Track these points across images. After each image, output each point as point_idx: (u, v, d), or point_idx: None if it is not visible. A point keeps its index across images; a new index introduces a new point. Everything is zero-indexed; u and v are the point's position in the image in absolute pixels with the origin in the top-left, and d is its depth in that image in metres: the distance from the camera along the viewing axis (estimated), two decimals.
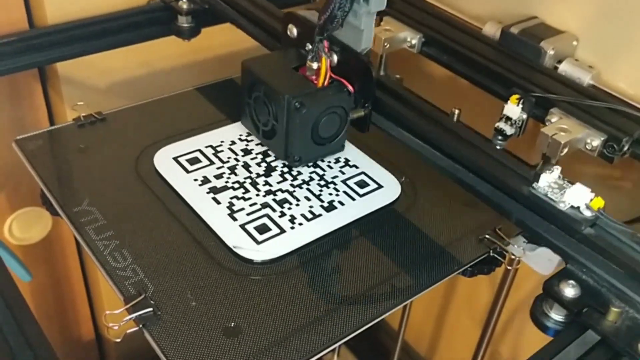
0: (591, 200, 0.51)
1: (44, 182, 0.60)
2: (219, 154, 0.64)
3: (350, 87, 0.60)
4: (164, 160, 0.63)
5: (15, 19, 0.77)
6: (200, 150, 0.64)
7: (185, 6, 0.79)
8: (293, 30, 0.63)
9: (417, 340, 1.16)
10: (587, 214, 0.51)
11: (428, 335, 1.14)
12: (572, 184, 0.52)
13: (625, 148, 0.60)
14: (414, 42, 0.75)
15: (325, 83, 0.60)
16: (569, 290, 0.50)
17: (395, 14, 0.77)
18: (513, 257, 0.58)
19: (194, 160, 0.63)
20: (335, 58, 0.60)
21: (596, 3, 0.69)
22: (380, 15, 0.80)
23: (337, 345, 0.49)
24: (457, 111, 0.71)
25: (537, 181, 0.53)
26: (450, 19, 0.77)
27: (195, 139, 0.66)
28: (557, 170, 0.53)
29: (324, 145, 0.63)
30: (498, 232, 0.57)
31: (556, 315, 0.52)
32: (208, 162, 0.63)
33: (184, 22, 0.80)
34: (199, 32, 0.82)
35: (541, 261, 0.58)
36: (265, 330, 0.48)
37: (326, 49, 0.59)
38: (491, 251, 0.56)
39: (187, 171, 0.62)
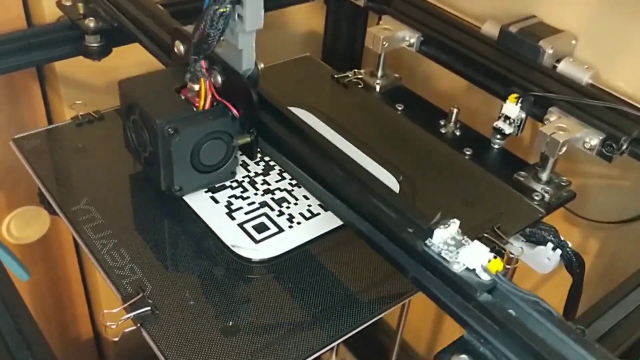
0: (489, 261, 0.44)
1: (41, 181, 0.59)
2: None
3: (234, 111, 0.55)
4: None
5: (13, 18, 0.77)
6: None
7: (92, 24, 0.70)
8: (180, 47, 0.56)
9: (416, 339, 1.15)
10: (484, 277, 0.43)
11: (426, 334, 1.14)
12: (471, 240, 0.45)
13: (624, 147, 0.60)
14: (412, 41, 0.75)
15: (207, 106, 0.55)
16: None
17: (394, 13, 0.77)
18: (512, 256, 0.58)
19: None
20: (219, 78, 0.54)
21: (595, 2, 0.69)
22: (379, 14, 0.80)
23: (335, 344, 0.49)
24: (455, 110, 0.71)
25: (431, 237, 0.45)
26: (449, 18, 0.77)
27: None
28: (454, 224, 0.45)
29: (210, 173, 0.57)
30: (496, 231, 0.57)
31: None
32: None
33: (92, 41, 0.72)
34: (110, 51, 0.74)
35: (540, 260, 0.58)
36: (263, 329, 0.48)
37: (204, 70, 0.54)
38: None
39: None
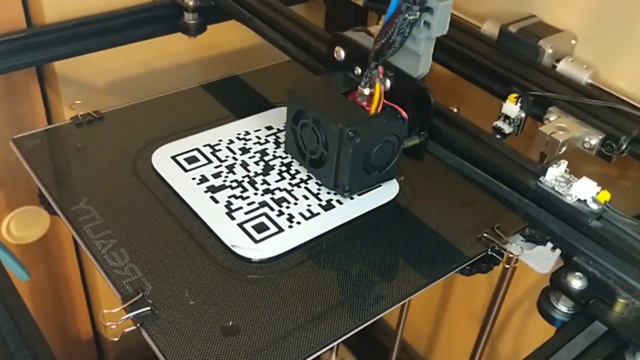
0: (597, 193, 0.51)
1: (41, 181, 0.59)
2: (217, 153, 0.64)
3: (404, 114, 0.57)
4: (162, 159, 0.63)
5: (13, 18, 0.77)
6: (198, 149, 0.64)
7: (191, 3, 0.78)
8: (340, 53, 0.61)
9: (416, 338, 1.16)
10: (594, 207, 0.51)
11: (426, 333, 1.14)
12: (578, 178, 0.53)
13: (624, 147, 0.60)
14: None
15: (378, 110, 0.57)
16: (576, 282, 0.51)
17: None
18: (511, 255, 0.58)
19: (191, 159, 0.63)
20: (388, 83, 0.57)
21: (594, 2, 0.69)
22: (379, 14, 0.80)
23: (335, 344, 0.49)
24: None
25: (544, 175, 0.53)
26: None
27: (193, 137, 0.66)
28: (563, 164, 0.53)
29: (375, 174, 0.60)
30: (496, 231, 0.57)
31: (563, 307, 0.52)
32: (206, 161, 0.63)
33: (190, 19, 0.79)
34: (205, 29, 0.81)
35: (539, 259, 0.58)
36: (263, 329, 0.48)
37: (381, 75, 0.56)
38: (489, 250, 0.56)
39: (185, 170, 0.62)
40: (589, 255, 0.51)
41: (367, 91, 0.57)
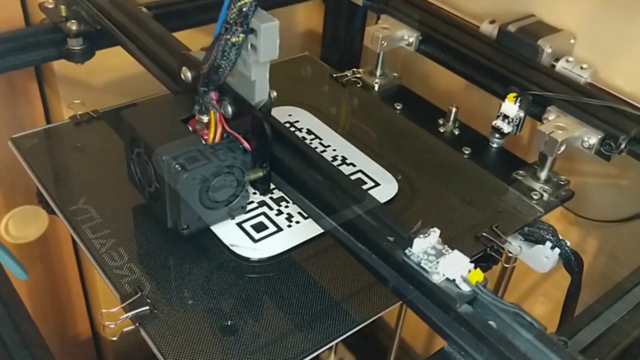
0: (469, 272, 0.43)
1: (40, 181, 0.59)
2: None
3: (246, 145, 0.52)
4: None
5: (11, 17, 0.77)
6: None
7: (74, 27, 0.69)
8: (187, 74, 0.53)
9: (414, 338, 1.15)
10: (465, 288, 0.42)
11: (425, 333, 1.14)
12: (452, 250, 0.44)
13: (623, 146, 0.60)
14: (411, 40, 0.75)
15: (217, 139, 0.52)
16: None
17: (393, 12, 0.77)
18: (510, 254, 0.59)
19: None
20: (230, 109, 0.51)
21: (593, 1, 0.69)
22: (378, 13, 0.80)
23: (334, 343, 0.49)
24: (454, 109, 0.71)
25: (411, 246, 0.44)
26: (448, 17, 0.77)
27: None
28: (434, 234, 0.45)
29: (220, 210, 0.54)
30: (495, 230, 0.57)
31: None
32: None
33: (74, 44, 0.71)
34: (93, 54, 0.73)
35: (538, 259, 0.58)
36: (262, 328, 0.48)
37: (214, 102, 0.50)
38: (488, 249, 0.56)
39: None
40: (460, 345, 0.42)
41: (205, 118, 0.51)
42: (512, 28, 0.71)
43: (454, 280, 0.43)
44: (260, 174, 0.52)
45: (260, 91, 0.50)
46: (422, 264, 0.43)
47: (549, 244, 0.57)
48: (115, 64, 0.86)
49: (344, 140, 0.66)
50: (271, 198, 0.59)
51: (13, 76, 0.82)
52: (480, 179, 0.64)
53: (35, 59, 0.72)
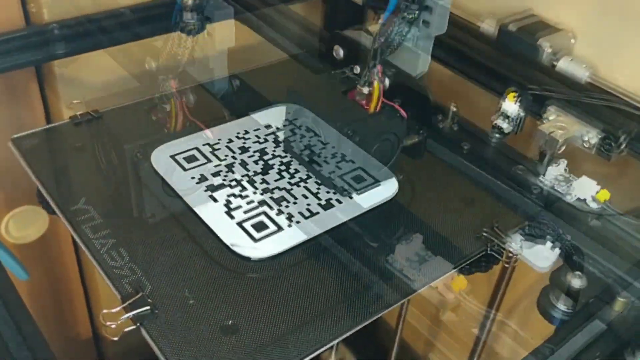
0: (597, 192, 0.52)
1: (40, 181, 0.59)
2: (216, 152, 0.64)
3: (403, 113, 0.57)
4: (161, 158, 0.63)
5: (11, 17, 0.77)
6: (197, 148, 0.64)
7: (190, 2, 0.75)
8: (339, 52, 0.62)
9: (415, 338, 1.15)
10: (594, 206, 0.52)
11: (425, 333, 1.13)
12: (578, 177, 0.53)
13: (623, 145, 0.60)
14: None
15: (377, 108, 0.57)
16: (576, 281, 0.52)
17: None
18: (511, 254, 0.58)
19: (191, 158, 0.63)
20: (387, 82, 0.57)
21: (594, 0, 0.69)
22: (377, 12, 0.79)
23: (334, 343, 0.49)
24: (453, 107, 0.71)
25: (544, 174, 0.54)
26: (449, 16, 0.77)
27: (193, 136, 0.66)
28: (563, 163, 0.54)
29: (374, 173, 0.60)
30: (496, 230, 0.57)
31: (563, 306, 0.53)
32: (205, 160, 0.63)
33: (189, 17, 0.76)
34: (204, 28, 0.79)
35: (539, 258, 0.58)
36: (263, 327, 0.48)
37: (380, 74, 0.56)
38: (489, 248, 0.56)
39: (184, 169, 0.62)
40: (588, 255, 0.52)
41: (365, 90, 0.57)
42: (512, 27, 0.71)
43: (584, 199, 0.53)
44: (416, 139, 0.59)
45: (423, 63, 0.56)
46: (556, 187, 0.54)
47: (549, 240, 0.57)
48: (115, 64, 0.86)
49: (344, 139, 0.66)
50: (272, 198, 0.59)
51: (13, 76, 0.82)
52: (480, 177, 0.64)
53: (35, 59, 0.72)
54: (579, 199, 0.52)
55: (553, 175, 0.54)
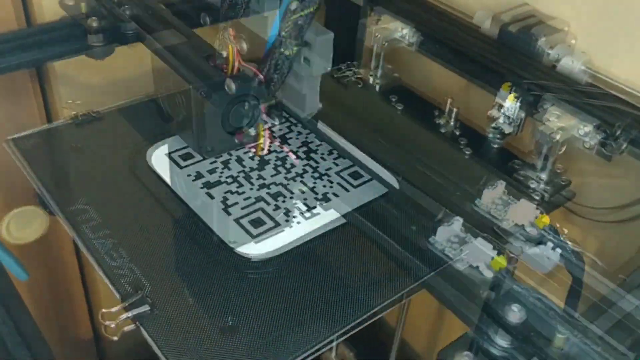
0: (536, 217, 0.48)
1: (39, 181, 0.59)
2: None
3: (261, 76, 0.56)
4: (159, 157, 0.63)
5: (11, 17, 0.77)
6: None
7: (95, 24, 0.69)
8: (206, 19, 0.60)
9: (415, 338, 1.15)
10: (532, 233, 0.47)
11: (426, 333, 1.13)
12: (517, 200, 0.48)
13: (624, 146, 0.59)
14: (412, 40, 0.75)
15: (234, 71, 0.56)
16: (515, 315, 0.48)
17: (392, 8, 0.77)
18: (511, 255, 0.58)
19: (187, 156, 0.63)
20: (244, 45, 0.55)
21: None
22: (378, 13, 0.80)
23: (334, 342, 0.49)
24: (455, 108, 0.71)
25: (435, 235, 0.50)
26: (448, 15, 0.77)
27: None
28: (501, 185, 0.49)
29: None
30: (496, 231, 0.57)
31: (502, 341, 0.48)
32: (201, 157, 0.63)
33: (94, 40, 0.70)
34: (112, 51, 0.72)
35: (539, 259, 0.58)
36: (262, 326, 0.48)
37: (232, 37, 0.55)
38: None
39: (180, 167, 0.62)
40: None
41: (224, 54, 0.56)
42: (512, 28, 0.71)
43: (522, 225, 0.49)
44: (273, 101, 0.57)
45: (311, 105, 0.54)
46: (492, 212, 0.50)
47: (550, 244, 0.57)
48: (115, 64, 0.86)
49: (345, 140, 0.66)
50: (268, 194, 0.59)
51: (13, 76, 0.82)
52: (481, 179, 0.64)
53: (35, 58, 0.72)
54: (516, 224, 0.47)
55: (490, 198, 0.49)
